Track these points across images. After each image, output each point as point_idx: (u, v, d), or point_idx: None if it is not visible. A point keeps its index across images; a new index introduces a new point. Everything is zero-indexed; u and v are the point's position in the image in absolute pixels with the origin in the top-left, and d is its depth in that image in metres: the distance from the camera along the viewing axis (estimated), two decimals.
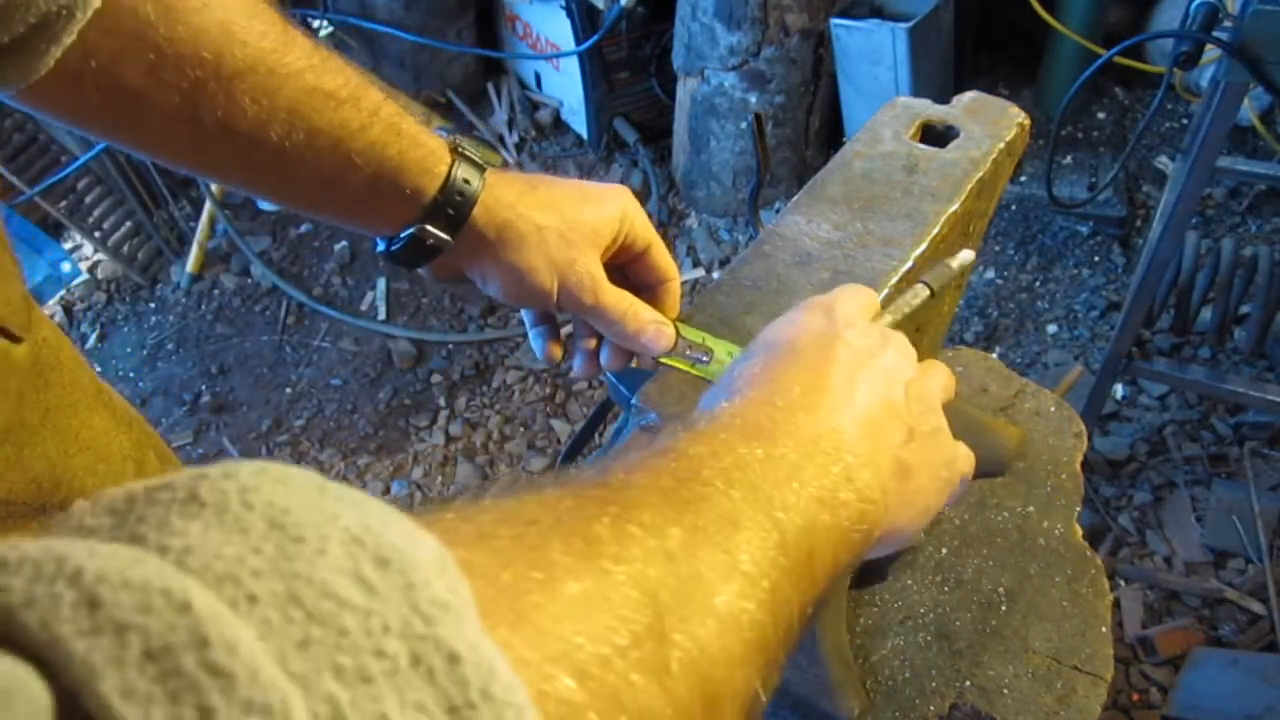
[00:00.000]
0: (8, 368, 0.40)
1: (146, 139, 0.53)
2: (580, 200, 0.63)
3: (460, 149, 0.60)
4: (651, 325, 0.64)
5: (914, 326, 0.60)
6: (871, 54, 2.44)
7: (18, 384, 0.40)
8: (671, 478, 0.35)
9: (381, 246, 0.62)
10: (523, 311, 0.71)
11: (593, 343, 0.69)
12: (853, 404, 0.44)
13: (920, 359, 0.80)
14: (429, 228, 0.59)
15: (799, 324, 0.49)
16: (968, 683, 0.75)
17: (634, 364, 0.69)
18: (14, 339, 0.40)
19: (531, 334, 0.71)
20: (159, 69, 0.49)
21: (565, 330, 0.72)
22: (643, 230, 0.66)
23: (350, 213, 0.60)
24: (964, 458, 0.51)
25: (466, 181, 0.59)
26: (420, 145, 0.58)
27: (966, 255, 0.62)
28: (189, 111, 0.50)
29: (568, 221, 0.62)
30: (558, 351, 0.72)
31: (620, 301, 0.64)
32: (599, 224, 0.63)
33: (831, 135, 2.75)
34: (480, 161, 0.60)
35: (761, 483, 0.36)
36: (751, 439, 0.39)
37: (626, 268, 0.68)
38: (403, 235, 0.60)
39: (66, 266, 2.73)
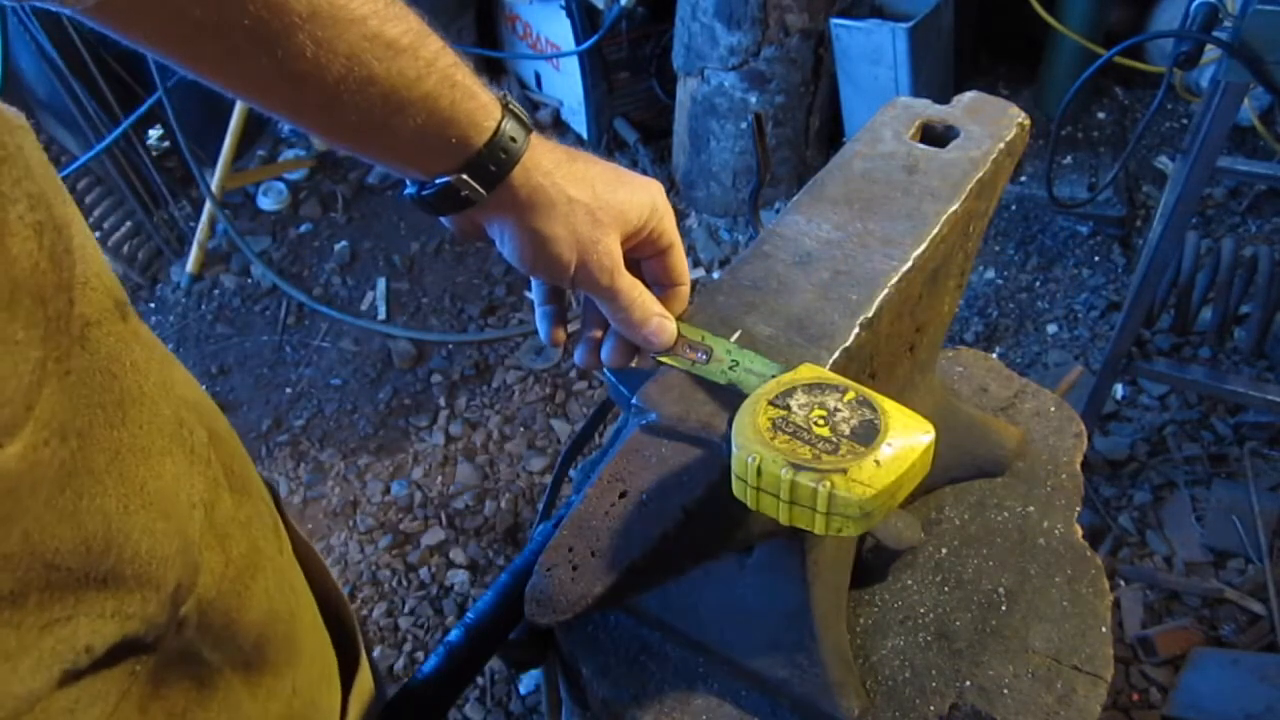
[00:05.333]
0: None
1: (200, 68, 0.53)
2: (615, 182, 0.63)
3: (510, 105, 0.60)
4: (656, 318, 0.65)
5: None
6: (871, 54, 2.44)
7: (5, 499, 0.31)
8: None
9: (411, 189, 0.62)
10: (532, 286, 0.71)
11: (598, 333, 0.69)
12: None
13: (920, 358, 0.80)
14: (466, 178, 0.58)
15: None
16: (968, 683, 0.75)
17: (634, 363, 0.69)
18: None
19: (538, 312, 0.71)
20: (222, 5, 0.48)
21: (572, 327, 0.72)
22: (669, 229, 0.67)
23: (393, 155, 0.59)
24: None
25: (513, 139, 0.58)
26: (473, 98, 0.57)
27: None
28: (247, 48, 0.50)
29: (599, 200, 0.61)
30: (562, 335, 0.71)
31: (632, 289, 0.64)
32: (628, 209, 0.63)
33: (831, 135, 2.75)
34: (527, 121, 0.60)
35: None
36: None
37: (643, 264, 0.69)
38: (437, 183, 0.59)
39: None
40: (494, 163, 0.58)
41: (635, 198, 0.63)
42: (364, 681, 0.64)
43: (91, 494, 0.34)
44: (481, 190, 0.59)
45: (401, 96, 0.54)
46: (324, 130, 0.57)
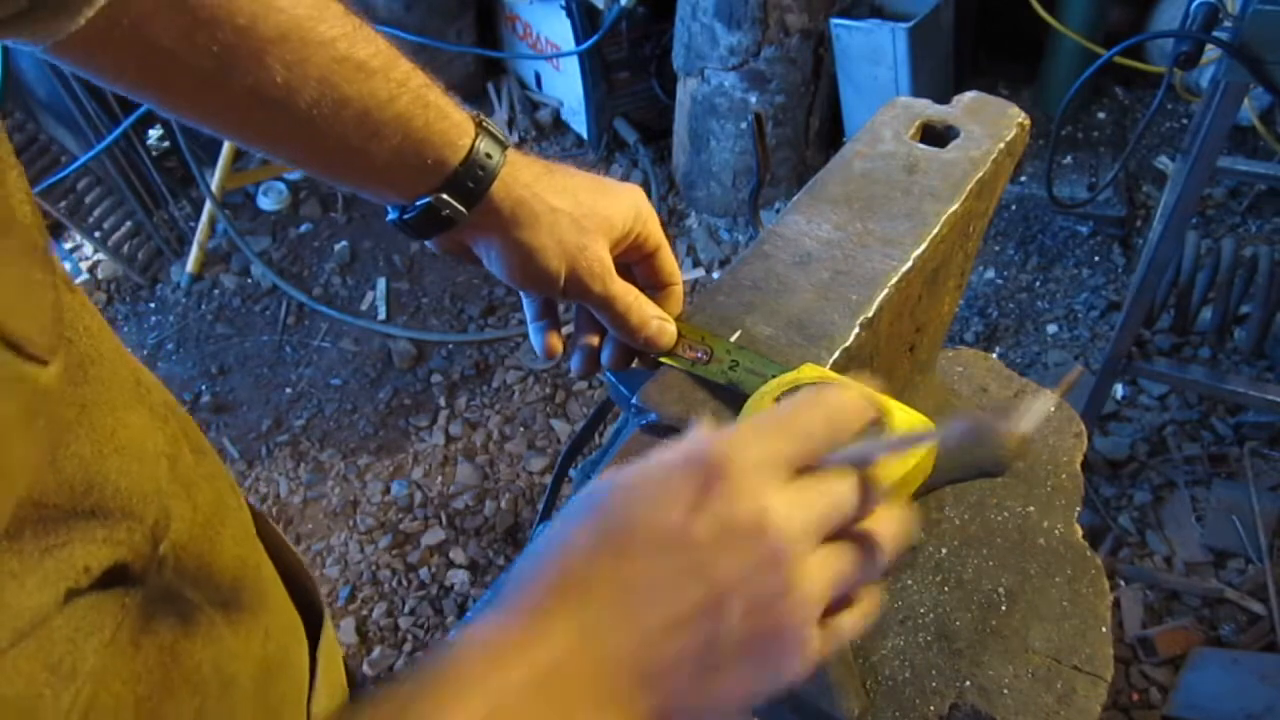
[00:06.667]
0: (34, 399, 0.32)
1: (174, 100, 0.53)
2: (596, 190, 0.63)
3: (483, 123, 0.60)
4: (655, 321, 0.64)
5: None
6: (871, 54, 2.44)
7: (48, 417, 0.34)
8: None
9: (393, 215, 0.62)
10: (524, 303, 0.71)
11: (594, 339, 0.69)
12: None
13: (920, 358, 0.80)
14: (446, 198, 0.58)
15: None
16: (968, 683, 0.75)
17: (634, 364, 0.69)
18: (40, 361, 0.33)
19: (531, 328, 0.71)
20: (191, 32, 0.48)
21: (565, 330, 0.71)
22: (654, 231, 0.66)
23: (371, 180, 0.59)
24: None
25: (488, 156, 0.58)
26: (446, 117, 0.58)
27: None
28: (219, 75, 0.50)
29: (583, 208, 0.61)
30: (558, 343, 0.71)
31: (627, 294, 0.64)
32: (613, 215, 0.63)
33: (831, 135, 2.75)
34: (502, 138, 0.60)
35: None
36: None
37: (633, 267, 0.68)
38: (418, 204, 0.59)
39: (66, 267, 2.74)
40: (472, 179, 0.58)
41: (619, 204, 0.63)
42: (329, 642, 0.65)
43: (65, 442, 0.36)
44: (462, 209, 0.59)
45: (375, 118, 0.54)
46: (301, 157, 0.57)
